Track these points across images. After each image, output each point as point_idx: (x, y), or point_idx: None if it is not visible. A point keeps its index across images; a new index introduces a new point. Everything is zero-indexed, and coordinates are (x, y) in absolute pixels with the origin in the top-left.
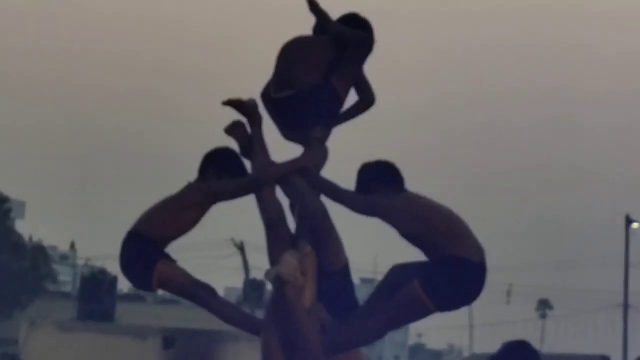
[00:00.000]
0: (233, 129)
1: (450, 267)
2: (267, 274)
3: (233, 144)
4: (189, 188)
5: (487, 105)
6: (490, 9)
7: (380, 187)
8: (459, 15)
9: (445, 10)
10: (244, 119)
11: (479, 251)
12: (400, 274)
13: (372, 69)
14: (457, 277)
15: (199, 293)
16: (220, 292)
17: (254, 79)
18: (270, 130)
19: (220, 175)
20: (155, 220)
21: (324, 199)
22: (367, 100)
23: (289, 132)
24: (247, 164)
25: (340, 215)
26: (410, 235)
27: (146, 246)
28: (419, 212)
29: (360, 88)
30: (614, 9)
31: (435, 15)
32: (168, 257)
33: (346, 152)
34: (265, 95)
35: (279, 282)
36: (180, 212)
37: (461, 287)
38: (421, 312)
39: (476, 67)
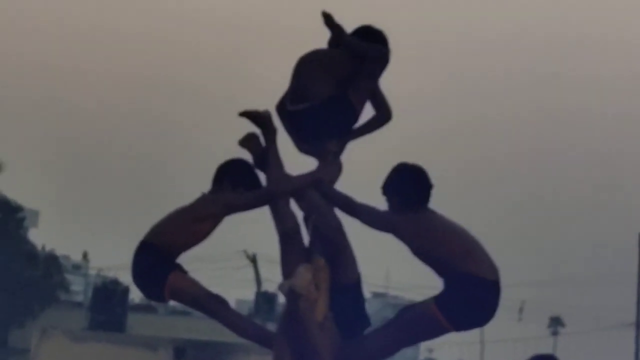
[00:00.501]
0: (247, 141)
1: (465, 286)
2: (281, 287)
3: (247, 156)
4: (203, 199)
5: (504, 126)
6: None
7: (402, 202)
8: (477, 35)
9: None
10: (258, 131)
11: (493, 270)
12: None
13: (389, 85)
14: (472, 295)
15: (210, 304)
16: (232, 304)
17: (267, 93)
18: (285, 143)
19: (234, 187)
20: (167, 230)
21: (338, 212)
22: (383, 115)
23: (304, 144)
24: (261, 176)
25: (351, 228)
26: (424, 254)
27: (158, 257)
28: (434, 231)
29: (376, 103)
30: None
31: (450, 36)
32: (180, 268)
33: (361, 166)
34: (281, 107)
35: (293, 295)
36: (193, 223)
37: (476, 306)
38: (436, 331)
39: (494, 88)
